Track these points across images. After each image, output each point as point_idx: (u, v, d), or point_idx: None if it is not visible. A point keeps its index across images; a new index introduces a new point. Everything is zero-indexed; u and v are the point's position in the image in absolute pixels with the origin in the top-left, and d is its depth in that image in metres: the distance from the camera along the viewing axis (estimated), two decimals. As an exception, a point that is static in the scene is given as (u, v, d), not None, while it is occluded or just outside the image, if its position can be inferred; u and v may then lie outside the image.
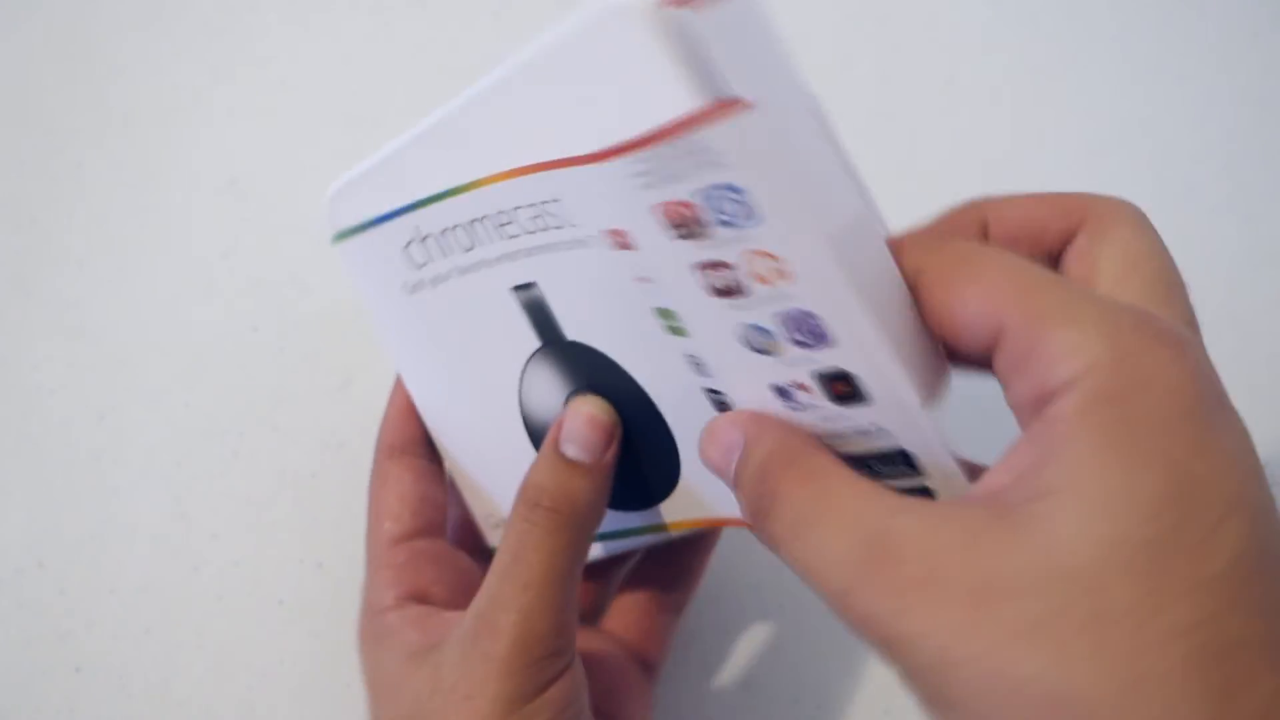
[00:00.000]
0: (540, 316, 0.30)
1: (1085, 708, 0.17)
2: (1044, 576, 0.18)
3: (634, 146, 0.23)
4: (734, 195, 0.22)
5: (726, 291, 0.24)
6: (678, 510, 0.31)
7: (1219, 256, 0.42)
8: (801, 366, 0.24)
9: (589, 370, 0.30)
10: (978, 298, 0.21)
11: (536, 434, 0.32)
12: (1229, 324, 0.42)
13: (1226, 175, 0.44)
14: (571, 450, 0.29)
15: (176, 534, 0.39)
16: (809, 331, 0.23)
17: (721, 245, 0.23)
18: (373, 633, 0.31)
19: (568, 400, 0.31)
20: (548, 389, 0.31)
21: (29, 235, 0.42)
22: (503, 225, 0.29)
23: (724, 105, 0.21)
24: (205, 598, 0.38)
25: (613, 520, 0.32)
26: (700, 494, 0.30)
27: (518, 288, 0.30)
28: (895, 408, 0.23)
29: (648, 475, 0.31)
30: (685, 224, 0.23)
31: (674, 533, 0.32)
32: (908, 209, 0.31)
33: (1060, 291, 0.20)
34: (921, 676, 0.19)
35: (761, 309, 0.23)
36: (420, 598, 0.31)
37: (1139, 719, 0.17)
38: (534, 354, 0.31)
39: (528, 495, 0.28)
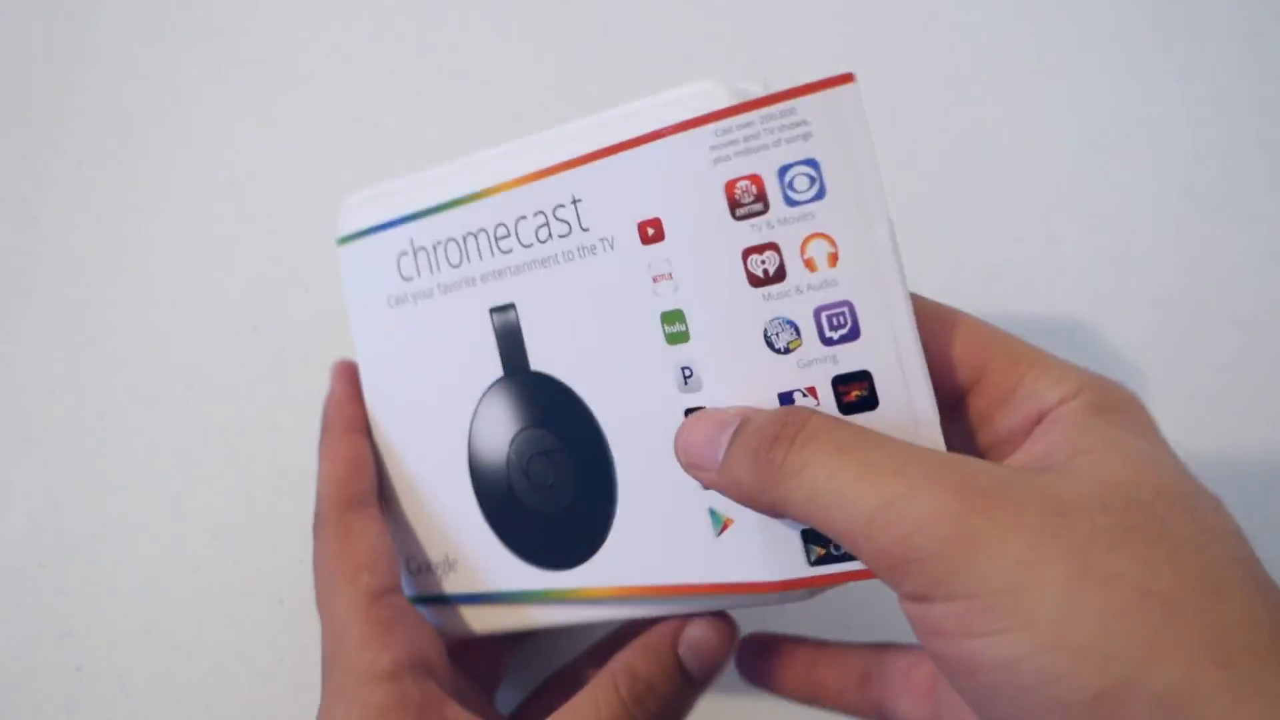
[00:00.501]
0: (510, 341, 0.30)
1: (1172, 602, 0.19)
2: (1112, 502, 0.20)
3: (726, 114, 0.24)
4: (810, 170, 0.24)
5: (766, 279, 0.25)
6: (598, 575, 0.29)
7: (1219, 256, 0.42)
8: (819, 367, 0.25)
9: (544, 405, 0.29)
10: (962, 342, 0.25)
11: (478, 470, 0.31)
12: (1229, 324, 0.42)
13: (1226, 175, 0.44)
14: (692, 661, 0.28)
15: (176, 534, 0.39)
16: (841, 325, 0.24)
17: (778, 226, 0.24)
18: (361, 708, 0.27)
19: (514, 438, 0.30)
20: (498, 422, 0.30)
21: (29, 235, 0.42)
22: (500, 239, 0.29)
23: (828, 81, 0.24)
24: (205, 598, 0.38)
25: (528, 578, 0.31)
26: (628, 557, 0.28)
27: (495, 309, 0.30)
28: (905, 412, 0.24)
29: (577, 529, 0.29)
30: (748, 202, 0.25)
31: (591, 600, 0.29)
32: (907, 209, 0.32)
33: (1026, 344, 0.25)
34: (980, 590, 0.19)
35: (799, 299, 0.24)
36: (420, 664, 0.28)
37: (1222, 616, 0.19)
38: (493, 384, 0.30)
39: (635, 687, 0.28)
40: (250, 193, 0.43)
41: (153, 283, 0.42)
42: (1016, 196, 0.44)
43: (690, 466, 0.25)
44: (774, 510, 0.23)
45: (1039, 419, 0.23)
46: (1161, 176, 0.44)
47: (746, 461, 0.23)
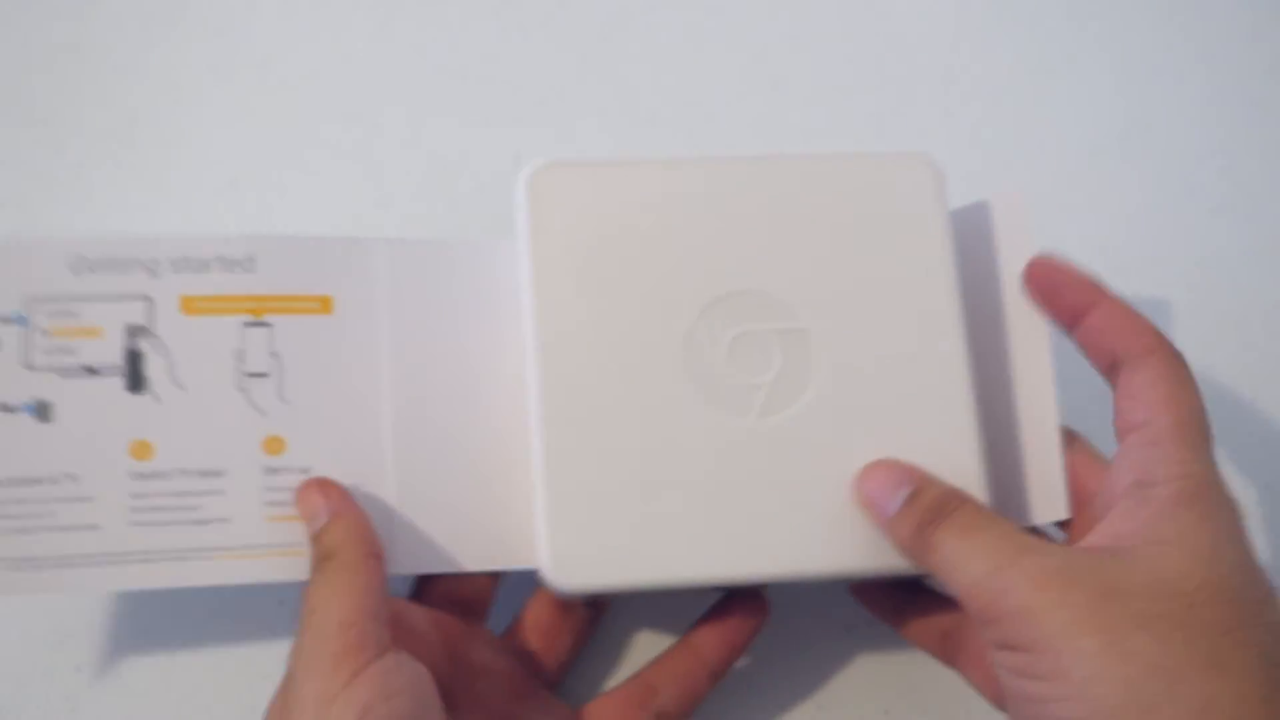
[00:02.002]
0: None
1: (1178, 675, 0.24)
2: (1156, 592, 0.25)
3: None
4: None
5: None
6: None
7: (1219, 256, 0.42)
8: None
9: None
10: (1160, 399, 0.29)
11: None
12: (1230, 325, 0.42)
13: (1226, 175, 0.44)
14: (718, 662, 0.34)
15: (176, 534, 0.39)
16: None
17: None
18: None
19: None
20: None
21: (29, 235, 0.42)
22: None
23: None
24: (206, 598, 0.38)
25: None
26: None
27: None
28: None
29: None
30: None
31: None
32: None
33: (1199, 421, 0.29)
34: (1035, 646, 0.25)
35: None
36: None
37: (1218, 687, 0.24)
38: None
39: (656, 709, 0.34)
40: (250, 192, 0.43)
41: (153, 283, 0.42)
42: (1017, 196, 0.43)
43: (864, 505, 0.31)
44: (922, 563, 0.30)
45: (1145, 477, 0.28)
46: (1162, 176, 0.44)
47: (911, 529, 0.30)
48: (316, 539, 0.31)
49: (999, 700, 0.32)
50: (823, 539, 0.32)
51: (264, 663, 0.37)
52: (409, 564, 0.33)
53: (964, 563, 0.28)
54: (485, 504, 0.34)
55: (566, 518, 0.32)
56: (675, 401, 0.32)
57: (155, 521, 0.32)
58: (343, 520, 0.31)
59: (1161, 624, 0.25)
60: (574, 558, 0.32)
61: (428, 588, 0.35)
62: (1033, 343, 0.34)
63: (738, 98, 0.45)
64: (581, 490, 0.32)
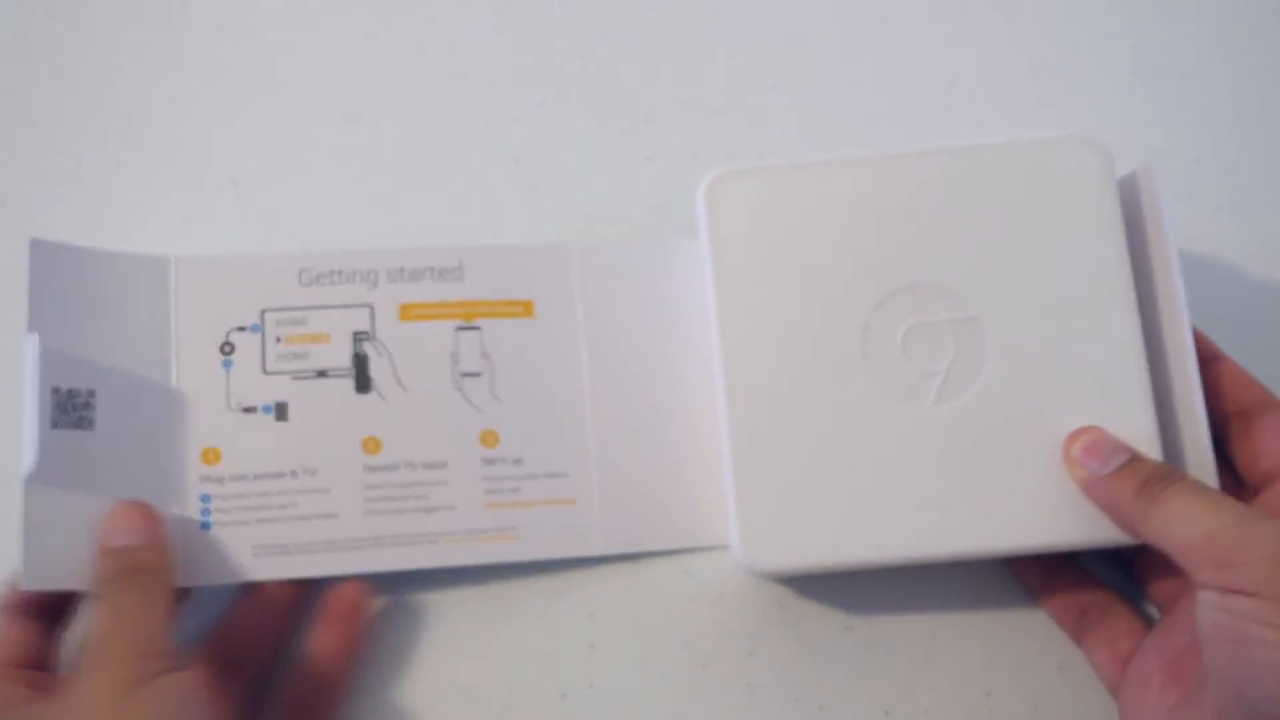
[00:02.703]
0: None
1: None
2: None
3: None
4: None
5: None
6: None
7: (1219, 256, 0.42)
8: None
9: None
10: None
11: None
12: (1230, 325, 0.42)
13: (1226, 175, 0.44)
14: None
15: (176, 534, 0.39)
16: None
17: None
18: None
19: None
20: None
21: (28, 235, 0.42)
22: None
23: None
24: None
25: None
26: None
27: None
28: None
29: None
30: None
31: None
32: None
33: None
34: None
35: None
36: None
37: None
38: None
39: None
40: (250, 192, 0.43)
41: (152, 282, 0.42)
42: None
43: (1075, 461, 0.33)
44: (1129, 522, 0.32)
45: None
46: (1162, 176, 0.44)
47: (1134, 487, 0.32)
48: (124, 552, 0.33)
49: (1114, 684, 0.35)
50: (1002, 517, 0.33)
51: (264, 663, 0.37)
52: (609, 545, 0.37)
53: (1199, 516, 0.30)
54: (678, 488, 0.37)
55: (756, 504, 0.34)
56: (854, 392, 0.34)
57: (387, 510, 0.36)
58: (162, 545, 0.33)
59: None
60: (764, 542, 0.34)
61: None
62: (1173, 317, 0.35)
63: (737, 97, 0.45)
64: (769, 478, 0.34)
